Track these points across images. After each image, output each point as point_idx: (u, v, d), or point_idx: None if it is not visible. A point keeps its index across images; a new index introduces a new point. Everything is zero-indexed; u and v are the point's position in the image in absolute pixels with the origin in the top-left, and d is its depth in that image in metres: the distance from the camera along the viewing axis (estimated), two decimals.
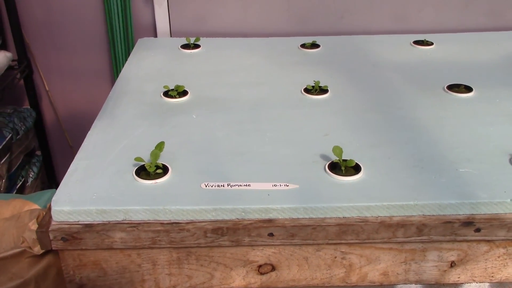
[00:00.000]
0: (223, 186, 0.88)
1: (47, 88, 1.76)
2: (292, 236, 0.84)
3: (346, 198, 0.85)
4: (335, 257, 0.89)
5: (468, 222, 0.84)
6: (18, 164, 1.58)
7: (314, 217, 0.85)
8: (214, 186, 0.88)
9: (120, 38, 1.59)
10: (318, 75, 1.31)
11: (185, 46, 1.50)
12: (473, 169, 0.92)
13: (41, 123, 1.81)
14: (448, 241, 0.87)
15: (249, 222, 0.84)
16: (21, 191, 1.59)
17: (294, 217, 0.85)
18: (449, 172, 0.91)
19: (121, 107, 1.15)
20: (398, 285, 0.93)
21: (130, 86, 1.26)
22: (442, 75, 1.31)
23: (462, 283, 0.93)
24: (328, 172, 0.91)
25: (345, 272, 0.91)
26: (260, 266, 0.90)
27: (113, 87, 1.25)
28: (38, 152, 1.80)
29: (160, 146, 0.94)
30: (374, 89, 1.25)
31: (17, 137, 1.54)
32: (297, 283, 0.92)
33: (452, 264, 0.91)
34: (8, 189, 1.52)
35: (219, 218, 0.84)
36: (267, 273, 0.90)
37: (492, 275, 0.92)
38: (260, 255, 0.88)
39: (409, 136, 1.03)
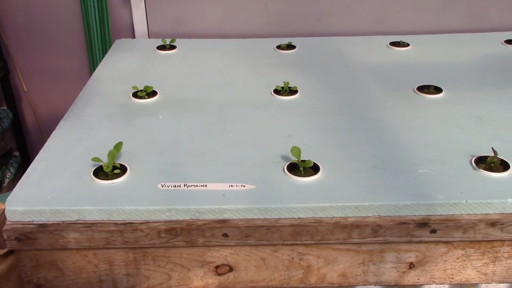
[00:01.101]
0: (180, 186, 0.88)
1: (25, 89, 1.76)
2: (246, 236, 0.84)
3: (302, 199, 0.85)
4: (293, 258, 0.89)
5: (423, 223, 0.84)
6: None
7: (268, 217, 0.84)
8: (170, 186, 0.88)
9: (97, 39, 1.60)
10: (290, 76, 1.31)
11: (161, 47, 1.50)
12: (433, 170, 0.92)
13: (19, 124, 1.81)
14: (406, 242, 0.87)
15: (203, 222, 0.84)
16: None
17: (248, 218, 0.84)
18: (408, 173, 0.91)
19: (89, 108, 1.15)
20: (357, 287, 0.93)
21: (101, 87, 1.26)
22: (415, 76, 1.31)
23: (422, 285, 0.93)
24: (286, 173, 0.91)
25: (303, 273, 0.90)
26: (217, 267, 0.89)
27: (84, 88, 1.25)
28: (16, 153, 1.80)
29: (118, 147, 0.94)
30: (344, 90, 1.25)
31: None
32: (255, 284, 0.91)
33: (411, 266, 0.90)
34: None
35: (173, 218, 0.84)
36: (224, 273, 0.90)
37: (452, 276, 0.92)
38: (216, 255, 0.88)
39: (374, 137, 1.03)
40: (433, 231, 0.84)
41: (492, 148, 0.93)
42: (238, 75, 1.33)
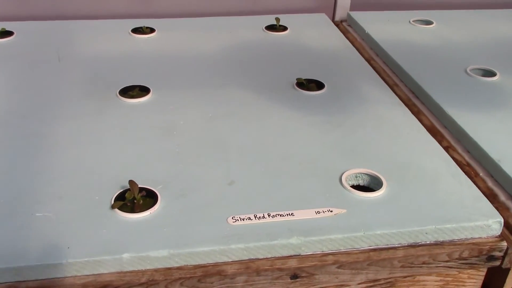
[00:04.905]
0: None
1: None
2: None
3: None
4: None
5: None
6: None
7: None
8: None
9: None
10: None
11: None
12: (56, 211, 0.72)
13: None
14: None
15: None
16: None
17: None
18: (21, 216, 0.71)
19: None
20: None
21: None
22: (121, 73, 1.11)
23: None
24: None
25: None
26: None
27: None
28: None
29: None
30: (30, 93, 1.01)
31: None
32: None
33: None
34: None
35: None
36: None
37: None
38: None
39: (21, 161, 0.82)
40: None
41: (129, 181, 0.74)
42: None
